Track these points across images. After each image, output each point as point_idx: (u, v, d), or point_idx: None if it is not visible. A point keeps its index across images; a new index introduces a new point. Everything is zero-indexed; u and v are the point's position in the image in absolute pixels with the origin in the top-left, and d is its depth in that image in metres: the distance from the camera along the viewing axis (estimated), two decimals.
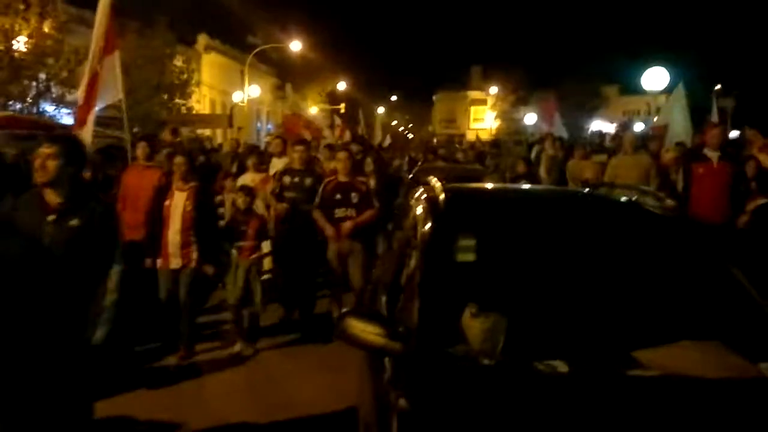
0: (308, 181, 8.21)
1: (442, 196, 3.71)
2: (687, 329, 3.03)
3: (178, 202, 6.83)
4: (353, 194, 7.54)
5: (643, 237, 3.70)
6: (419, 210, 3.96)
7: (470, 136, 46.76)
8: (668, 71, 17.12)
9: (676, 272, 3.47)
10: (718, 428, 2.46)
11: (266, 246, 7.55)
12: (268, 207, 8.56)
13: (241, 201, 7.27)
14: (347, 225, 7.47)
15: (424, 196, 4.08)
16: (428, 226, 3.56)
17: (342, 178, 7.66)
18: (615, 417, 2.50)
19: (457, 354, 2.90)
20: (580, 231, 3.67)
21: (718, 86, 27.61)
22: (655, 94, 18.38)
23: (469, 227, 3.55)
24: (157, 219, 6.90)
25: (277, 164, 9.58)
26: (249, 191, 7.47)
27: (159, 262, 6.85)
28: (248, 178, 9.11)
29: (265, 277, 7.92)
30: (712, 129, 9.19)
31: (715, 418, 2.52)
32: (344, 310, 3.18)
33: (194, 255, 6.77)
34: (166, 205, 6.85)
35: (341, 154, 7.80)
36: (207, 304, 8.53)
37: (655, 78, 17.05)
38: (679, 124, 13.18)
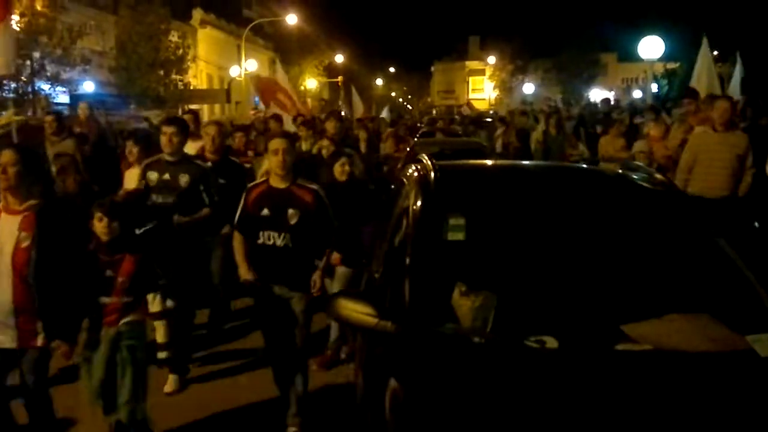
0: (184, 179, 5.55)
1: (432, 174, 3.71)
2: (675, 302, 3.05)
3: (6, 235, 3.97)
4: (291, 211, 4.70)
5: (631, 210, 3.71)
6: (410, 187, 3.97)
7: (477, 106, 46.15)
8: (664, 39, 17.01)
9: (664, 245, 3.48)
10: (707, 401, 2.49)
11: (156, 302, 4.91)
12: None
13: (100, 227, 4.22)
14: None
15: (416, 173, 4.08)
16: (419, 204, 3.57)
17: (276, 182, 4.79)
18: (605, 391, 2.53)
19: (447, 332, 2.93)
20: (569, 206, 3.68)
21: (716, 53, 27.35)
22: (652, 62, 18.27)
23: (459, 205, 3.56)
24: None
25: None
26: (114, 208, 4.34)
27: None
28: (131, 176, 6.18)
29: (162, 355, 5.37)
30: None
31: (703, 391, 2.55)
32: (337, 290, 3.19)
33: (38, 326, 3.98)
34: None
35: (276, 143, 4.75)
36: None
37: (652, 46, 16.92)
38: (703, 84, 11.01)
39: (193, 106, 31.54)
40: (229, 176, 6.34)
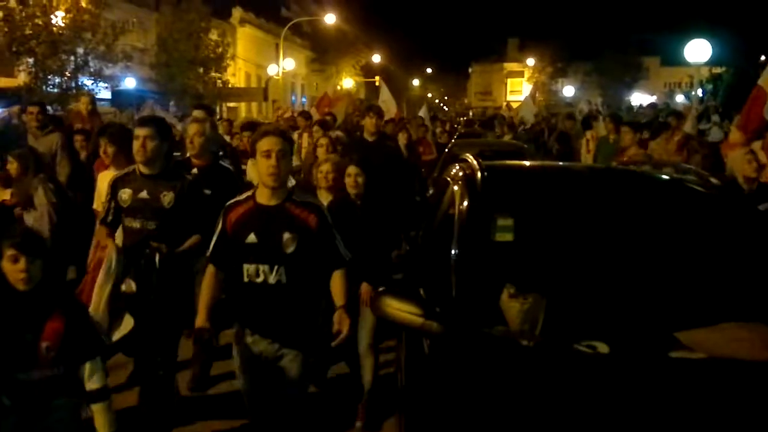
0: (167, 197, 4.37)
1: (479, 174, 3.65)
2: (730, 310, 2.96)
3: None
4: (287, 236, 3.54)
5: (686, 215, 3.61)
6: (456, 187, 3.91)
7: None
8: (711, 43, 16.68)
9: (719, 251, 3.38)
10: (763, 411, 2.41)
11: (95, 376, 3.21)
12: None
13: (14, 271, 3.02)
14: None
15: (461, 173, 4.02)
16: (465, 204, 3.51)
17: (264, 197, 3.62)
18: (658, 398, 2.47)
19: (495, 334, 2.88)
20: (621, 209, 3.60)
21: (763, 57, 26.81)
22: (699, 66, 17.94)
23: (507, 206, 3.50)
24: None
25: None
26: (30, 242, 3.11)
27: None
28: (105, 179, 5.03)
29: None
30: None
31: (759, 400, 2.46)
32: (380, 288, 3.13)
33: None
34: None
35: (267, 142, 3.51)
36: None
37: (698, 50, 16.62)
38: None
39: (231, 104, 31.85)
40: (216, 185, 5.10)
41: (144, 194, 4.37)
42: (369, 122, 7.57)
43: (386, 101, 16.13)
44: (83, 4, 20.48)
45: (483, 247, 3.28)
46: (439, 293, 3.19)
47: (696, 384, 2.56)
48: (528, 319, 2.89)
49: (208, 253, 3.75)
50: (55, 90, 20.50)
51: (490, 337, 2.86)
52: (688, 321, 2.88)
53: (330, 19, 40.85)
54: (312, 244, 3.56)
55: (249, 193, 3.71)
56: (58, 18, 19.94)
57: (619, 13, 55.36)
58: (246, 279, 3.56)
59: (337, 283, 3.62)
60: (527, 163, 6.00)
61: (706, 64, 18.79)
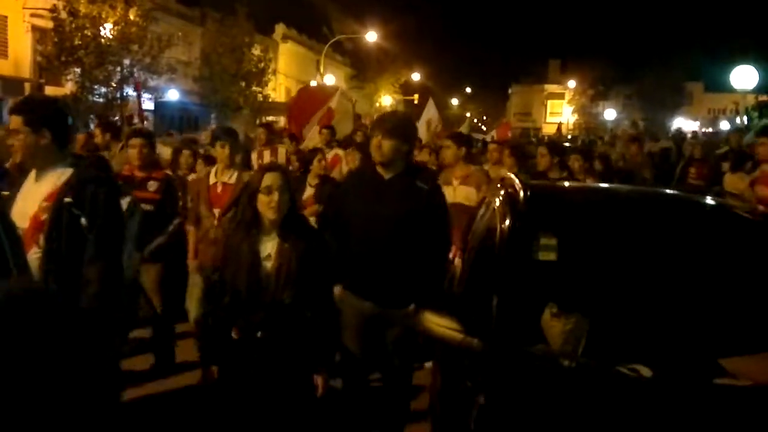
0: None
1: (522, 193, 3.63)
2: None
3: None
4: None
5: (732, 241, 3.55)
6: (498, 205, 3.90)
7: (547, 130, 45.09)
8: (758, 70, 16.43)
9: (766, 279, 3.32)
10: None
11: None
12: None
13: None
14: None
15: (503, 191, 4.00)
16: (507, 222, 3.49)
17: None
18: (700, 425, 2.42)
19: (537, 353, 2.86)
20: (666, 232, 3.55)
21: None
22: (745, 93, 17.64)
23: (549, 225, 3.47)
24: None
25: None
26: None
27: None
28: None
29: None
30: None
31: None
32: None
33: None
34: None
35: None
36: None
37: (745, 76, 16.37)
38: None
39: (270, 118, 32.23)
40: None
41: None
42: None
43: (432, 118, 14.42)
44: (131, 17, 20.97)
45: (525, 265, 3.26)
46: (480, 310, 3.18)
47: (740, 412, 2.51)
48: (570, 340, 2.86)
49: None
50: (101, 100, 20.95)
51: (530, 356, 2.84)
52: (734, 348, 2.83)
53: (371, 37, 41.18)
54: None
55: None
56: (107, 30, 20.44)
57: (663, 36, 54.90)
58: None
59: None
60: (571, 183, 5.94)
61: (753, 91, 18.54)
